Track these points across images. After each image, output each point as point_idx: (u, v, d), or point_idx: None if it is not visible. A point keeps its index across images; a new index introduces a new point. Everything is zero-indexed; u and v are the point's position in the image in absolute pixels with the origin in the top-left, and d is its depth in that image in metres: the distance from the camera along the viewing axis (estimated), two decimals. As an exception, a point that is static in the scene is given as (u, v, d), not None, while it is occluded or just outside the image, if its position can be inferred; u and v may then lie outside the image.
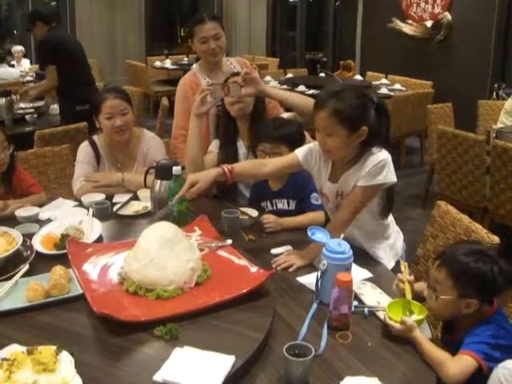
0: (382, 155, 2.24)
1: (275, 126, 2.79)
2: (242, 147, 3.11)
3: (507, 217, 4.32)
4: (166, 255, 1.92)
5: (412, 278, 2.01)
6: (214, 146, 3.13)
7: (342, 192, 2.37)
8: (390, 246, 2.49)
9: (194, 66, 3.34)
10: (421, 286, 2.03)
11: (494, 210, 4.43)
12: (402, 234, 2.59)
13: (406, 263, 2.12)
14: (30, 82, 8.27)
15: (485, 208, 4.53)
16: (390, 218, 2.50)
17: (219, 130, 3.18)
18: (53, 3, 11.68)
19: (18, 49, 9.40)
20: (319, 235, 2.07)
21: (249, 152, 3.06)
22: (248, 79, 2.82)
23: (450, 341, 1.90)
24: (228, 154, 3.06)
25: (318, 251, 2.06)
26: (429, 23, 8.37)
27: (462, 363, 1.69)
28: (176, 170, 2.49)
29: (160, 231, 1.98)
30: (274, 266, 2.24)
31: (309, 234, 2.09)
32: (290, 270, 2.23)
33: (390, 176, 2.25)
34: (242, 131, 3.10)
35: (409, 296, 1.90)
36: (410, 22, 8.70)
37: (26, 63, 9.18)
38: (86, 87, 5.55)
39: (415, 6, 8.67)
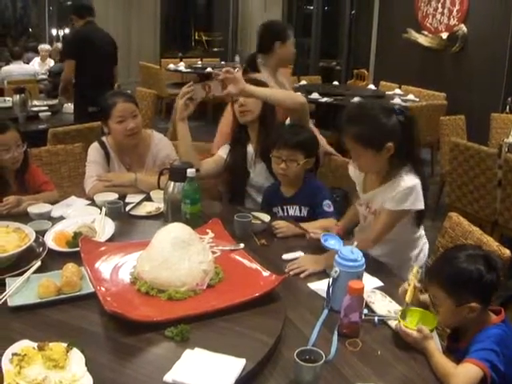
0: (410, 181, 2.27)
1: (291, 133, 2.79)
2: (250, 152, 3.13)
3: (517, 231, 4.31)
4: (180, 256, 1.92)
5: (420, 285, 2.02)
6: (223, 151, 3.14)
7: (371, 206, 2.43)
8: (417, 255, 2.55)
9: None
10: (427, 297, 2.04)
11: (505, 224, 4.40)
12: (427, 245, 2.64)
13: (419, 268, 2.11)
14: (44, 80, 8.34)
15: (495, 221, 4.51)
16: (422, 229, 2.56)
17: (231, 135, 3.19)
18: (69, 2, 11.76)
19: (45, 47, 9.44)
20: (332, 242, 2.08)
21: (256, 156, 3.08)
22: (229, 79, 2.76)
23: (456, 349, 1.90)
24: (237, 159, 3.09)
25: (332, 258, 2.06)
26: (444, 35, 8.36)
27: (467, 374, 1.68)
28: (190, 172, 2.49)
29: (174, 232, 1.99)
30: (286, 270, 2.24)
31: (322, 240, 2.09)
32: (302, 275, 2.23)
33: (417, 203, 2.28)
34: (251, 136, 3.11)
35: (408, 299, 1.91)
36: (425, 33, 8.69)
37: (50, 63, 9.20)
38: (104, 89, 5.54)
39: (431, 18, 8.66)
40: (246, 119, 3.03)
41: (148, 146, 3.22)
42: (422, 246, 2.63)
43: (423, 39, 8.67)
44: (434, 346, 1.77)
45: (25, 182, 2.96)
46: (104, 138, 3.22)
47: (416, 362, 1.74)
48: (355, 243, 2.01)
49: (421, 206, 2.29)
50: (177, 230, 2.01)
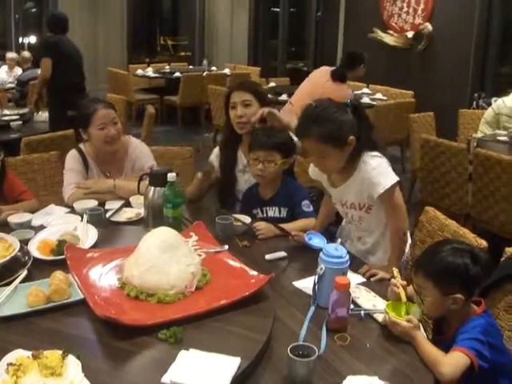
0: (375, 162, 2.35)
1: (268, 134, 2.81)
2: (241, 158, 3.11)
3: (489, 223, 4.39)
4: (168, 260, 1.94)
5: (404, 282, 2.07)
6: (212, 156, 3.16)
7: (346, 201, 2.47)
8: None
9: None
10: (411, 289, 2.09)
11: (477, 217, 4.50)
12: (410, 240, 2.68)
13: (397, 269, 2.18)
14: (12, 89, 8.25)
15: (467, 215, 4.60)
16: None
17: (222, 141, 3.20)
18: (33, 10, 11.65)
19: (10, 56, 9.31)
20: (316, 240, 2.12)
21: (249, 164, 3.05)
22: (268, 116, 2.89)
23: (441, 340, 1.95)
24: (226, 163, 3.10)
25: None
26: (410, 34, 8.49)
27: (455, 361, 1.74)
28: (171, 176, 2.50)
29: (161, 236, 2.01)
30: (362, 272, 2.32)
31: (306, 239, 2.13)
32: (373, 279, 2.28)
33: (393, 176, 2.37)
34: (245, 143, 3.07)
35: (404, 299, 1.96)
36: (391, 32, 8.81)
37: (18, 71, 9.10)
38: (79, 93, 5.61)
39: (396, 17, 8.79)
40: (244, 131, 3.00)
41: (126, 151, 3.23)
42: None
43: (389, 38, 8.79)
44: (422, 335, 1.83)
45: (3, 191, 2.94)
46: (82, 146, 3.21)
47: (404, 353, 1.79)
48: (339, 240, 2.06)
49: (396, 177, 2.38)
50: (163, 234, 2.03)
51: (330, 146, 2.28)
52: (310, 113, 2.35)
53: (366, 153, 2.39)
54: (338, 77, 5.37)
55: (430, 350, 1.77)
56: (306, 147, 2.38)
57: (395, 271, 2.14)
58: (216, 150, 3.19)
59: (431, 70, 7.87)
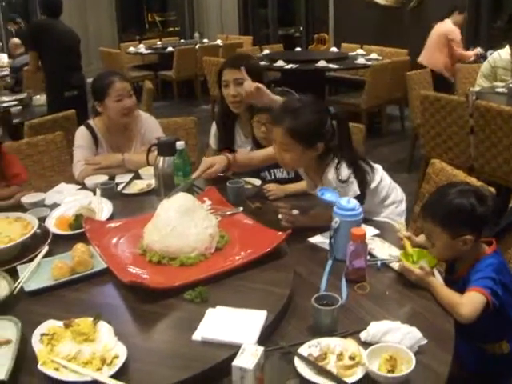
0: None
1: None
2: (239, 133, 3.11)
3: (493, 174, 4.43)
4: (187, 223, 1.99)
5: (409, 233, 2.13)
6: (212, 140, 3.18)
7: None
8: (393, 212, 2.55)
9: None
10: (422, 238, 2.13)
11: (480, 169, 4.53)
12: (404, 200, 2.62)
13: (398, 222, 2.28)
14: (6, 76, 8.22)
15: (471, 167, 4.63)
16: (385, 190, 2.51)
17: (217, 118, 3.20)
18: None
19: None
20: (328, 195, 2.14)
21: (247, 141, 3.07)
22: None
23: (453, 280, 1.99)
24: (226, 144, 3.08)
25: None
26: (401, -9, 8.44)
27: (472, 301, 1.79)
28: (179, 144, 2.52)
29: (178, 201, 2.05)
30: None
31: (318, 194, 2.16)
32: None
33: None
34: (241, 117, 3.07)
35: (409, 249, 2.01)
36: (382, -9, 8.76)
37: (4, 57, 9.03)
38: (74, 73, 5.59)
39: (387, -25, 8.72)
40: (239, 110, 2.99)
41: (136, 125, 3.26)
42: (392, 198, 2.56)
43: (380, -2, 8.73)
44: (437, 280, 1.87)
45: (1, 170, 2.87)
46: (91, 121, 3.24)
47: (423, 298, 1.84)
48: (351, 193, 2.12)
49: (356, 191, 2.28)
50: (180, 199, 2.07)
51: (296, 142, 2.21)
52: (289, 104, 2.32)
53: (335, 163, 2.30)
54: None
55: (447, 293, 1.82)
56: (273, 134, 2.29)
57: (399, 225, 2.20)
58: (213, 130, 3.18)
59: (424, 27, 7.75)
